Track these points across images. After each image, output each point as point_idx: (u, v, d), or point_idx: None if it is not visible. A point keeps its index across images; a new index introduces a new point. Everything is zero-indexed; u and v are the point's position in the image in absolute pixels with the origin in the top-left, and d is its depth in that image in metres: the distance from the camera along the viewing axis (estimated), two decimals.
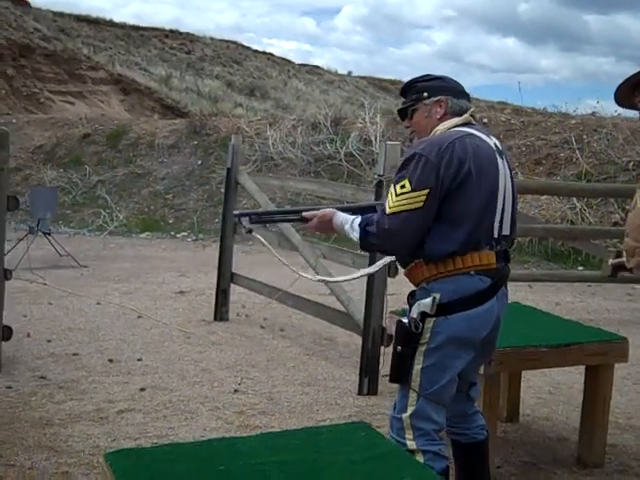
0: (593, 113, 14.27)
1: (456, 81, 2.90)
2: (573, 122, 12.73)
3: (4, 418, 4.24)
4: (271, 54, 40.61)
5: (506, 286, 2.81)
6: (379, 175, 5.02)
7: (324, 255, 5.74)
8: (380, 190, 4.94)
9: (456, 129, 2.71)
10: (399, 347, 2.68)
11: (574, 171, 11.38)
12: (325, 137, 13.58)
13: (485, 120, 13.04)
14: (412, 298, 2.73)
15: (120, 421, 4.23)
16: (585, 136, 11.99)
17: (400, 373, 2.69)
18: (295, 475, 2.34)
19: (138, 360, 5.37)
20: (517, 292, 7.64)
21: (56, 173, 15.08)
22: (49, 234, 9.58)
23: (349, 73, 41.81)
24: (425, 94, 2.80)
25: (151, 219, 13.46)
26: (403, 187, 2.59)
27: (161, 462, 2.44)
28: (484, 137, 2.72)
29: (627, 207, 10.38)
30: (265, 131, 14.16)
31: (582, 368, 3.87)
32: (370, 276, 4.91)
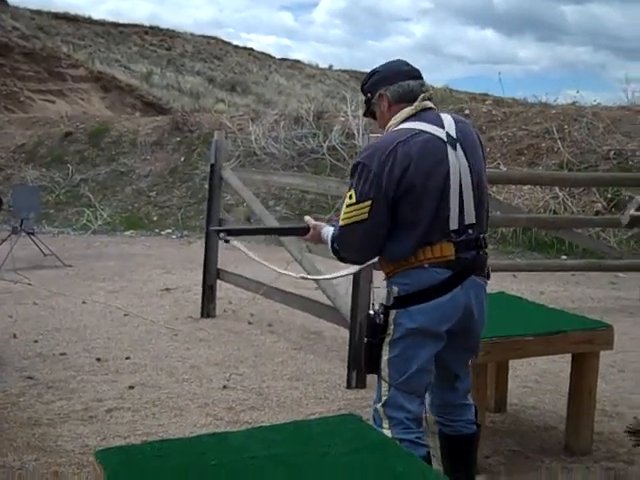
0: (573, 103, 14.34)
1: (395, 62, 2.86)
2: (554, 112, 12.80)
3: None
4: (252, 49, 40.51)
5: (485, 275, 2.79)
6: None
7: (309, 249, 5.75)
8: None
9: (404, 125, 2.68)
10: (366, 338, 2.76)
11: (556, 161, 11.45)
12: (308, 131, 13.58)
13: (467, 112, 13.09)
14: (380, 289, 2.79)
15: (109, 420, 4.22)
16: (566, 126, 12.06)
17: (371, 364, 2.77)
18: (286, 468, 2.35)
19: (126, 358, 5.36)
20: (502, 282, 7.68)
21: (38, 172, 14.99)
22: (33, 234, 9.54)
23: (330, 67, 41.77)
24: (369, 95, 2.83)
25: (135, 217, 13.42)
26: (350, 198, 2.65)
27: (152, 458, 2.45)
28: (434, 130, 2.66)
29: (609, 196, 10.47)
30: (247, 126, 14.15)
31: (567, 356, 3.91)
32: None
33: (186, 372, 5.08)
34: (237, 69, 35.26)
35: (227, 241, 3.16)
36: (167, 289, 7.82)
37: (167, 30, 37.67)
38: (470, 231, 2.70)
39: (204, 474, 2.31)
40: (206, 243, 6.82)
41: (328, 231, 2.89)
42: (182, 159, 14.56)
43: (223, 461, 2.39)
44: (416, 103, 2.72)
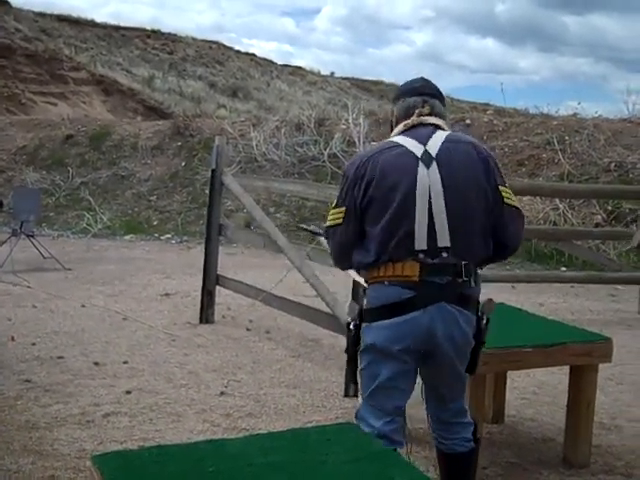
0: (574, 114, 14.37)
1: (413, 80, 2.89)
2: (555, 123, 12.83)
3: None
4: (254, 55, 40.59)
5: (464, 304, 2.67)
6: None
7: (309, 257, 5.75)
8: None
9: (391, 138, 2.77)
10: (346, 348, 2.84)
11: (556, 172, 11.46)
12: (309, 138, 13.60)
13: (468, 121, 13.11)
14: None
15: (106, 424, 4.21)
16: (567, 137, 12.08)
17: (351, 374, 2.85)
18: (284, 476, 2.35)
19: (124, 363, 5.36)
20: (500, 293, 7.68)
21: (39, 175, 14.99)
22: (32, 236, 9.53)
23: (332, 74, 41.88)
24: (393, 110, 2.89)
25: (135, 221, 13.42)
26: (333, 202, 2.80)
27: (149, 464, 2.44)
28: (411, 145, 2.68)
29: (609, 208, 10.48)
30: (249, 132, 14.16)
31: (566, 368, 3.90)
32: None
33: (184, 378, 5.07)
34: (239, 74, 35.33)
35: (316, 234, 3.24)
36: (166, 294, 7.81)
37: (169, 34, 37.76)
38: (445, 254, 2.62)
39: (202, 478, 2.31)
40: (206, 249, 6.82)
41: None
42: (183, 164, 14.57)
43: (221, 468, 2.38)
44: (413, 118, 2.76)
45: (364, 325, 2.72)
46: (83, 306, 7.10)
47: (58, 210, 14.01)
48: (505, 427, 4.27)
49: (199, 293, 6.77)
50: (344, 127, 13.60)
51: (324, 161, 12.96)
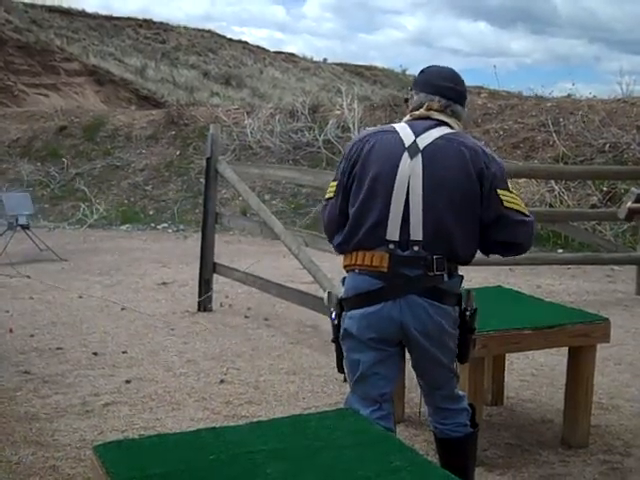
0: (569, 95, 14.36)
1: (435, 71, 2.84)
2: (549, 105, 12.80)
3: None
4: (246, 42, 40.35)
5: (435, 297, 2.65)
6: None
7: (306, 243, 5.75)
8: None
9: (381, 126, 2.86)
10: (332, 337, 2.86)
11: (551, 154, 11.45)
12: (303, 125, 13.56)
13: None
14: None
15: (106, 414, 4.23)
16: (561, 119, 12.05)
17: (338, 363, 2.88)
18: (285, 462, 2.35)
19: (123, 353, 5.36)
20: (497, 276, 7.71)
21: (33, 167, 14.94)
22: (28, 228, 9.51)
23: (324, 60, 41.67)
24: (409, 94, 2.88)
25: (131, 211, 13.39)
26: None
27: (151, 453, 2.45)
28: (404, 134, 2.67)
29: (604, 189, 10.48)
30: (243, 120, 14.12)
31: (564, 350, 3.92)
32: None
33: (183, 366, 5.08)
34: (232, 62, 35.15)
35: None
36: (164, 283, 7.81)
37: (161, 23, 37.51)
38: (416, 248, 2.60)
39: (203, 468, 2.31)
40: (202, 237, 6.81)
41: None
42: (177, 153, 14.53)
43: (222, 456, 2.39)
44: (421, 110, 2.75)
45: (343, 314, 2.74)
46: (81, 297, 7.09)
47: (53, 202, 13.97)
48: (504, 409, 4.29)
49: (196, 282, 6.77)
50: (338, 113, 13.56)
51: (319, 147, 12.92)
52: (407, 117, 2.79)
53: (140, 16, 37.41)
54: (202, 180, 8.22)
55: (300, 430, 2.65)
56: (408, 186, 2.60)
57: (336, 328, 2.79)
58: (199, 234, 7.10)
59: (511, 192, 2.74)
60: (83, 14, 34.92)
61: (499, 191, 2.68)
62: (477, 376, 3.54)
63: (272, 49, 40.91)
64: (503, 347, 3.68)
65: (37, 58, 25.98)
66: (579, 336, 3.68)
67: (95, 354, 5.32)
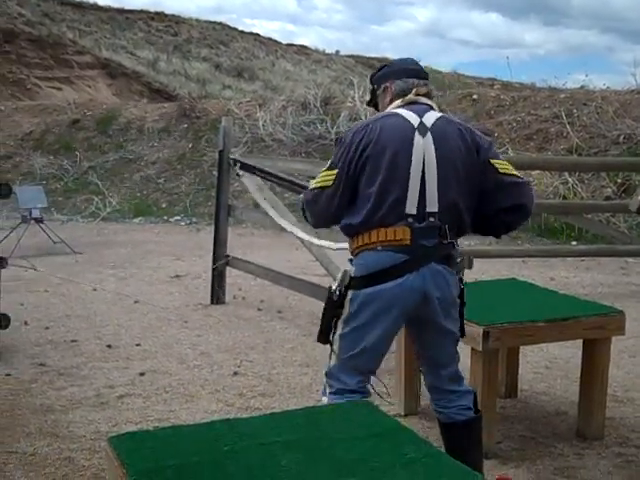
0: (582, 87, 14.26)
1: (407, 60, 3.03)
2: (562, 96, 12.72)
3: (4, 405, 4.25)
4: (258, 35, 40.34)
5: (449, 263, 2.82)
6: None
7: (319, 236, 5.74)
8: None
9: (385, 110, 2.88)
10: (324, 311, 2.89)
11: (565, 146, 11.39)
12: (315, 117, 13.54)
13: (475, 97, 13.03)
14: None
15: (121, 406, 4.24)
16: (575, 110, 11.99)
17: (323, 335, 2.89)
18: (299, 454, 2.35)
19: (136, 345, 5.38)
20: (511, 268, 7.68)
21: (46, 160, 15.01)
22: (42, 222, 9.55)
23: (336, 52, 41.61)
24: (375, 86, 3.02)
25: (144, 204, 13.42)
26: (325, 166, 2.87)
27: (165, 444, 2.45)
28: (409, 116, 2.80)
29: (619, 180, 10.42)
30: (255, 113, 14.12)
31: (578, 342, 3.90)
32: None
33: (196, 359, 5.09)
34: (243, 55, 35.16)
35: (238, 175, 3.27)
36: (177, 276, 7.83)
37: (173, 16, 37.54)
38: (432, 219, 2.75)
39: (217, 460, 2.31)
40: (215, 230, 6.81)
41: None
42: (190, 146, 14.55)
43: (236, 447, 2.39)
44: (410, 95, 2.88)
45: (352, 292, 2.78)
46: (94, 290, 7.12)
47: (67, 195, 14.03)
48: (518, 401, 4.28)
49: (209, 274, 6.78)
50: (350, 105, 13.52)
51: (331, 140, 12.89)
52: (397, 103, 2.88)
53: (152, 9, 37.46)
54: (215, 173, 8.23)
55: (314, 421, 2.65)
56: (423, 162, 2.74)
57: (336, 305, 2.83)
58: (212, 227, 7.10)
59: (502, 161, 2.92)
60: (95, 7, 35.01)
61: (492, 160, 2.87)
62: (491, 368, 3.53)
63: (284, 41, 40.88)
64: (517, 339, 3.67)
65: (49, 51, 26.09)
66: (594, 328, 3.66)
67: (109, 347, 5.34)
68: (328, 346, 2.93)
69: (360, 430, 2.54)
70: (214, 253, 6.75)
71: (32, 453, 3.64)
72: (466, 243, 9.43)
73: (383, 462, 2.28)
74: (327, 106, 13.83)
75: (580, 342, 3.83)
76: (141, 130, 15.35)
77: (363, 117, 12.76)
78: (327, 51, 41.16)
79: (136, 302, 6.65)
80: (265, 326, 5.93)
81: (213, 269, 6.68)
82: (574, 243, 9.39)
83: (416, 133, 2.76)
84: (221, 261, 6.63)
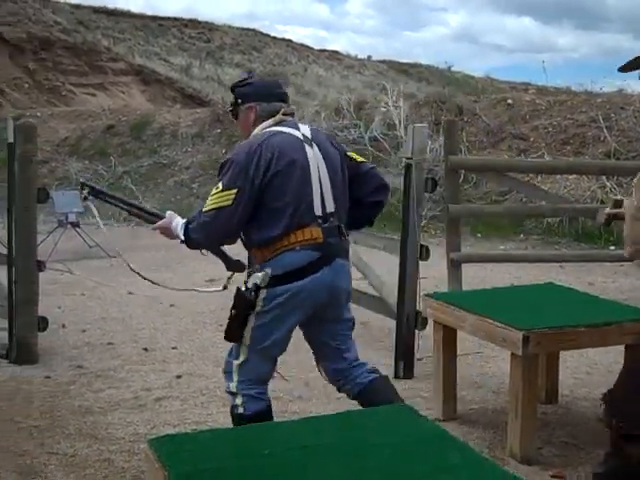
0: (620, 90, 14.10)
1: (270, 83, 3.34)
2: (599, 100, 12.59)
3: (44, 407, 4.30)
4: (290, 41, 40.37)
5: (347, 258, 3.22)
6: (407, 158, 5.01)
7: (355, 241, 5.72)
8: (410, 173, 4.92)
9: (267, 130, 3.13)
10: (234, 310, 3.12)
11: (602, 150, 11.25)
12: (349, 122, 13.53)
13: (510, 101, 12.93)
14: (251, 271, 3.22)
15: (158, 408, 4.27)
16: (612, 114, 11.84)
17: (233, 333, 3.13)
18: (338, 458, 2.34)
19: (173, 348, 5.41)
20: (548, 273, 7.58)
21: (82, 165, 15.17)
22: (78, 226, 9.65)
23: (368, 58, 41.50)
24: (239, 101, 3.26)
25: (178, 209, 13.38)
26: (217, 188, 3.05)
27: (204, 447, 2.46)
28: (291, 131, 3.12)
29: None
30: None
31: (619, 348, 3.84)
32: (402, 259, 4.90)
33: None
34: (276, 61, 35.24)
35: (85, 198, 3.39)
36: (211, 280, 7.83)
37: (206, 23, 37.73)
38: (332, 219, 3.10)
39: (257, 464, 2.30)
40: None
41: (179, 221, 3.24)
42: (223, 151, 14.59)
43: (275, 451, 2.38)
44: (277, 116, 3.17)
45: (268, 290, 3.04)
46: (130, 293, 7.17)
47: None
48: (559, 407, 4.23)
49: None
50: (384, 110, 13.49)
51: (365, 145, 12.87)
52: (269, 122, 3.15)
53: (185, 16, 37.69)
54: None
55: (353, 426, 2.64)
56: (318, 169, 3.09)
57: (249, 303, 3.06)
58: None
59: (352, 152, 3.42)
60: (129, 14, 35.32)
61: (348, 153, 3.34)
62: (531, 373, 3.49)
63: (316, 47, 40.91)
64: (558, 344, 3.63)
65: (84, 58, 26.35)
66: (636, 334, 3.60)
67: (145, 349, 5.37)
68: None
69: (402, 435, 2.53)
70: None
71: (72, 454, 3.68)
72: (502, 247, 9.38)
73: (426, 468, 2.26)
74: (360, 111, 13.80)
75: (621, 348, 3.77)
76: (175, 135, 15.45)
77: (397, 122, 12.75)
78: (359, 56, 41.12)
79: (172, 306, 6.68)
80: (299, 330, 5.90)
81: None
82: (612, 248, 9.26)
83: (305, 144, 3.10)
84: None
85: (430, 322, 4.38)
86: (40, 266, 5.20)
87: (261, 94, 3.21)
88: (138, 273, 3.73)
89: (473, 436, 3.75)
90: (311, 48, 40.00)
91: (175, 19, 36.86)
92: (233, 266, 3.57)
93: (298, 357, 5.12)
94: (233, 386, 3.15)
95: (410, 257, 4.87)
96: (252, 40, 37.86)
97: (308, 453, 2.39)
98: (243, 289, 3.12)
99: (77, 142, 16.09)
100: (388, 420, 2.71)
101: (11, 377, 4.81)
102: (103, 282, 7.62)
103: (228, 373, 3.19)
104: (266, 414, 3.18)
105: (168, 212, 3.43)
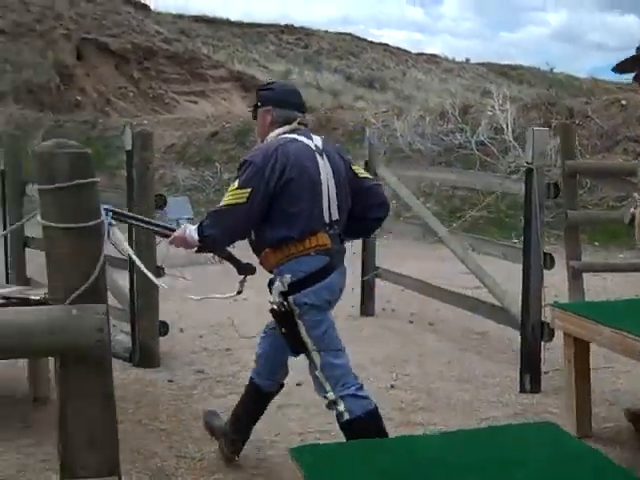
0: None
1: (290, 91, 3.49)
2: None
3: (169, 410, 4.38)
4: (387, 45, 40.32)
5: (344, 263, 3.37)
6: (528, 163, 4.87)
7: (472, 247, 5.62)
8: (531, 178, 4.78)
9: (282, 136, 3.27)
10: (283, 329, 3.24)
11: None
12: (453, 127, 13.36)
13: (624, 102, 12.49)
14: (271, 285, 3.26)
15: (281, 416, 4.27)
16: None
17: (297, 346, 3.25)
18: (482, 476, 2.29)
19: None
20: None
21: (188, 172, 15.48)
22: None
23: (467, 60, 41.04)
24: (259, 103, 3.40)
25: None
26: (233, 186, 3.18)
27: (345, 459, 2.46)
28: (305, 140, 3.27)
29: None
30: (392, 123, 14.06)
31: None
32: (526, 268, 4.76)
33: None
34: (374, 65, 35.23)
35: (110, 224, 3.31)
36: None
37: (302, 28, 38.10)
38: (336, 227, 3.27)
39: (399, 477, 2.27)
40: (363, 241, 6.77)
41: (192, 227, 3.30)
42: None
43: (417, 466, 2.36)
44: (293, 124, 3.31)
45: (295, 296, 3.15)
46: (245, 299, 7.22)
47: (209, 206, 14.36)
48: None
49: (358, 286, 6.72)
50: (490, 114, 13.25)
51: (471, 149, 12.68)
52: (285, 129, 3.29)
53: (281, 21, 38.13)
54: None
55: (497, 442, 2.58)
56: (327, 179, 3.24)
57: (288, 314, 3.17)
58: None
59: (357, 166, 3.58)
60: (227, 22, 36.03)
61: (353, 167, 3.46)
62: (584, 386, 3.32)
63: (413, 51, 40.71)
64: None
65: (186, 67, 26.99)
66: None
67: None
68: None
69: (548, 453, 2.45)
70: (363, 264, 6.71)
71: (200, 458, 3.73)
72: (621, 256, 9.02)
73: None
74: (466, 115, 13.61)
75: None
76: None
77: (504, 126, 12.51)
78: (457, 59, 40.69)
79: None
80: (417, 339, 5.85)
81: (363, 281, 6.65)
82: None
83: (317, 155, 3.25)
84: (371, 273, 6.60)
85: (557, 334, 4.23)
86: (159, 271, 5.31)
87: (279, 100, 3.36)
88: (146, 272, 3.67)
89: (611, 456, 3.59)
90: (408, 52, 39.84)
91: (272, 26, 37.35)
92: (244, 269, 3.53)
93: (420, 368, 5.09)
94: (330, 395, 3.23)
95: (534, 266, 4.73)
96: (349, 45, 38.01)
97: (450, 469, 2.35)
98: (274, 307, 3.21)
99: (183, 149, 16.44)
100: (533, 436, 2.63)
101: (136, 380, 4.92)
102: (216, 288, 7.70)
103: (319, 387, 3.28)
104: (372, 414, 3.26)
105: (182, 224, 3.57)
